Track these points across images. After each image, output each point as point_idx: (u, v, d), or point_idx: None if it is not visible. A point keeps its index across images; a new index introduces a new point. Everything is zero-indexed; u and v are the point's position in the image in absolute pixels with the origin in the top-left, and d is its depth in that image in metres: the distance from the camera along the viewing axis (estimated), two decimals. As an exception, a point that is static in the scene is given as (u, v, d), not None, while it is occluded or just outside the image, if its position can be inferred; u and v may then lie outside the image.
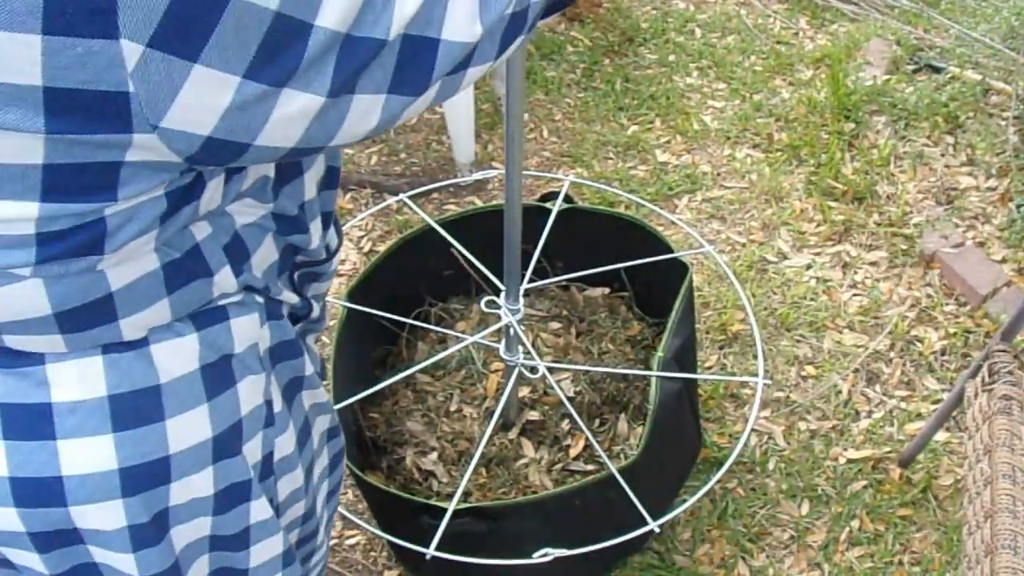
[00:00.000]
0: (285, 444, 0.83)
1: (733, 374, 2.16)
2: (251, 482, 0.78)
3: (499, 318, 1.53)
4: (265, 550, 0.84)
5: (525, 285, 1.55)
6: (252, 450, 0.78)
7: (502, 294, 1.49)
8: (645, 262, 1.75)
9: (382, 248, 2.56)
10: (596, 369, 1.81)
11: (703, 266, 2.42)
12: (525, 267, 1.65)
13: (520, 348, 1.56)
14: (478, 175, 2.30)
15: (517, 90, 1.18)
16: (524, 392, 1.85)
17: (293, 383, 0.85)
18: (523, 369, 1.57)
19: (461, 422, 1.82)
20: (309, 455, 0.90)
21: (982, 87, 2.85)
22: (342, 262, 2.54)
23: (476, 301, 2.03)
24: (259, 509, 0.80)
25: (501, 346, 1.56)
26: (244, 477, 0.77)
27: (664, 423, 1.56)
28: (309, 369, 0.87)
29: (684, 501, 1.70)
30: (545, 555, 1.35)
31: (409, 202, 1.74)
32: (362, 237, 2.59)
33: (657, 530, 1.29)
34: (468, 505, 1.40)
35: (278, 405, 0.81)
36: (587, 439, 1.77)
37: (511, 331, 1.51)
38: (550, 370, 1.88)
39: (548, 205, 1.85)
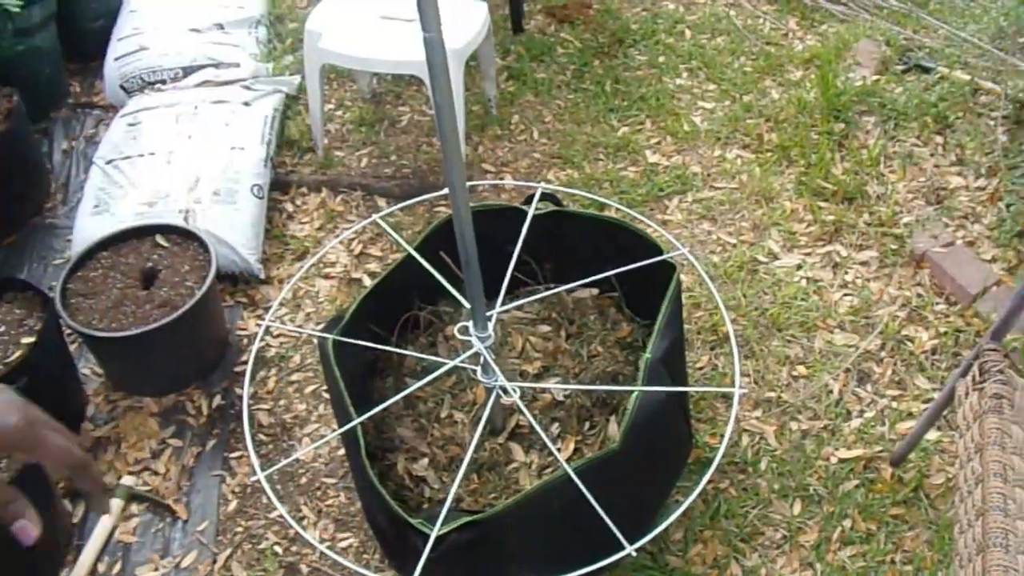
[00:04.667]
0: None
1: (724, 374, 2.16)
2: None
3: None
4: None
5: (497, 309, 1.57)
6: None
7: (470, 324, 1.51)
8: (633, 267, 1.75)
9: (372, 251, 2.56)
10: (572, 387, 1.81)
11: (694, 267, 2.42)
12: (505, 269, 1.65)
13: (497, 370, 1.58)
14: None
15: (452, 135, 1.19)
16: (513, 398, 1.84)
17: None
18: (499, 391, 1.60)
19: (452, 427, 1.81)
20: None
21: (971, 87, 2.86)
22: (332, 264, 2.53)
23: (464, 306, 2.03)
24: None
25: (479, 370, 1.59)
26: None
27: (648, 427, 1.55)
28: None
29: (677, 503, 1.69)
30: None
31: (386, 227, 1.76)
32: (352, 240, 2.58)
33: (634, 554, 1.30)
34: (449, 528, 1.40)
35: None
36: (576, 441, 1.77)
37: (482, 358, 1.54)
38: (536, 377, 1.88)
39: (527, 208, 1.85)
